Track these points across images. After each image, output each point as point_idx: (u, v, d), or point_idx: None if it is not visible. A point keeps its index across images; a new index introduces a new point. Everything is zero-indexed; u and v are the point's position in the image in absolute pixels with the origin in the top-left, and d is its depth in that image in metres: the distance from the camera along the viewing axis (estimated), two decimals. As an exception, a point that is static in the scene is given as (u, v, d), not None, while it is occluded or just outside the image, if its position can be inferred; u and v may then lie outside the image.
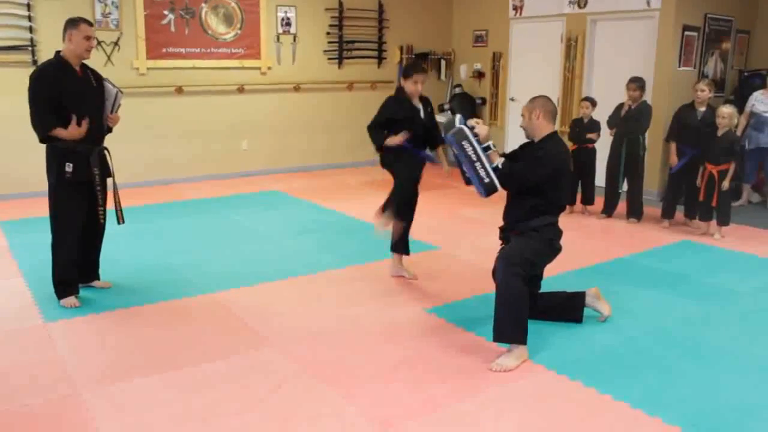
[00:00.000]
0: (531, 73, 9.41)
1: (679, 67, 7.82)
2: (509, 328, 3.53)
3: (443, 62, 10.48)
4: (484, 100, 10.16)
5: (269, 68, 8.99)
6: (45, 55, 6.82)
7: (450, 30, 10.66)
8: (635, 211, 6.78)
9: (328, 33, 9.45)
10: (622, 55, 8.22)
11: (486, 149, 3.64)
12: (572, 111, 8.56)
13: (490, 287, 4.03)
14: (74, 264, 4.29)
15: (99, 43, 7.59)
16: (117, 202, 4.40)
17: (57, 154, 4.10)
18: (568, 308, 4.08)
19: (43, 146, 4.16)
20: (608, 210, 6.95)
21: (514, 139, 9.23)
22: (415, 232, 4.92)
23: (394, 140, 4.60)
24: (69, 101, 4.07)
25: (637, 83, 6.55)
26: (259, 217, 6.81)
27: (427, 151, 4.79)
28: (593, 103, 6.97)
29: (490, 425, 2.97)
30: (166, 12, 8.10)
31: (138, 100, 7.86)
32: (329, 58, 9.54)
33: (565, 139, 7.08)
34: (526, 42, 9.44)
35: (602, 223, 6.78)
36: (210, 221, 6.57)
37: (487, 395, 3.23)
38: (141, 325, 4.03)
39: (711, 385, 3.36)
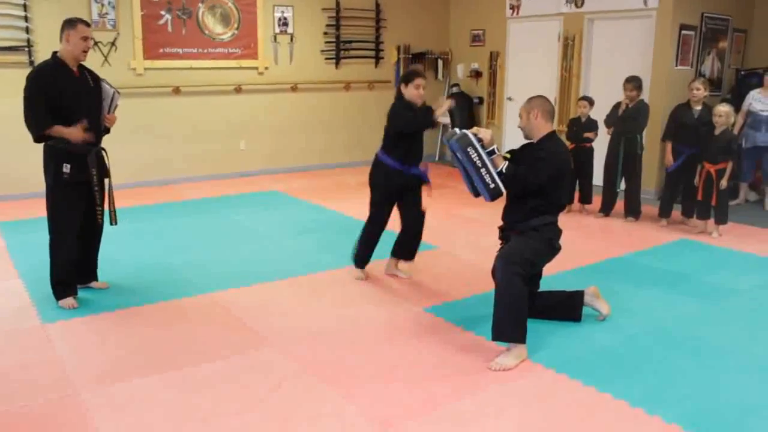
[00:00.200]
0: (528, 72, 9.41)
1: (677, 66, 7.83)
2: (508, 327, 3.54)
3: (440, 62, 10.49)
4: (481, 100, 10.17)
5: (266, 68, 8.98)
6: (42, 55, 6.80)
7: (447, 29, 10.66)
8: (633, 210, 6.79)
9: (325, 33, 9.44)
10: (620, 54, 8.23)
11: (490, 153, 3.65)
12: (570, 110, 8.57)
13: (488, 286, 4.04)
14: (72, 265, 4.29)
15: (96, 43, 7.58)
16: (111, 203, 4.39)
17: (54, 154, 4.09)
18: (567, 307, 4.09)
19: (41, 147, 4.15)
20: (606, 209, 6.95)
21: (511, 138, 9.24)
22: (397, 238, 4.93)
23: (443, 107, 4.45)
24: (66, 102, 4.06)
25: (633, 83, 6.55)
26: (258, 217, 6.80)
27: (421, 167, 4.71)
28: (591, 103, 6.98)
29: (490, 424, 2.97)
30: (163, 12, 8.09)
31: (135, 101, 7.85)
32: (326, 58, 9.53)
33: (563, 138, 7.12)
34: (524, 41, 9.45)
35: (600, 222, 6.78)
36: (208, 221, 6.56)
37: (487, 394, 3.23)
38: (140, 325, 4.03)
39: (710, 384, 3.36)
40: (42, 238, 4.37)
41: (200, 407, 3.08)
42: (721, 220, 6.17)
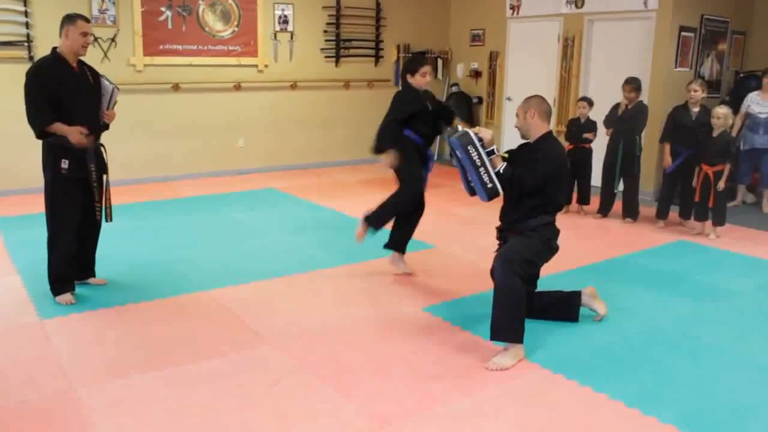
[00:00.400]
0: (528, 72, 9.42)
1: (676, 67, 7.85)
2: (506, 327, 3.54)
3: (440, 61, 10.49)
4: (480, 100, 10.18)
5: (266, 66, 8.98)
6: (42, 51, 6.79)
7: (447, 29, 10.67)
8: (631, 211, 6.80)
9: (325, 31, 9.44)
10: (619, 55, 8.24)
11: (490, 153, 3.66)
12: (569, 111, 8.58)
13: (486, 286, 4.04)
14: (70, 261, 4.28)
15: (96, 39, 7.57)
16: (107, 200, 4.39)
17: (53, 150, 4.09)
18: (564, 307, 4.10)
19: (40, 142, 4.14)
20: (604, 210, 6.96)
21: (510, 138, 9.25)
22: (417, 235, 4.93)
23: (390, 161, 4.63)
24: (66, 97, 4.06)
25: (632, 84, 6.56)
26: (256, 214, 6.81)
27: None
28: (590, 103, 6.98)
29: (487, 423, 2.98)
30: (163, 9, 8.09)
31: (134, 97, 7.84)
32: (326, 57, 9.53)
33: (562, 138, 7.13)
34: (523, 41, 9.46)
35: (598, 223, 6.79)
36: (206, 218, 6.56)
37: (484, 394, 3.24)
38: (137, 322, 4.03)
39: (706, 384, 3.37)
40: (40, 234, 4.37)
41: (198, 404, 3.08)
42: (718, 221, 6.18)
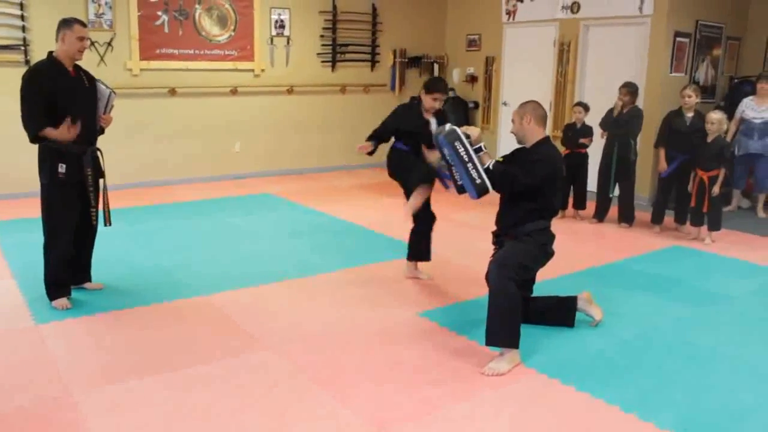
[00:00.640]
0: (524, 77, 9.44)
1: (671, 73, 7.88)
2: (501, 332, 3.54)
3: (436, 66, 10.51)
4: (476, 105, 10.20)
5: (263, 70, 8.99)
6: (38, 54, 6.79)
7: (443, 34, 10.69)
8: (627, 216, 6.82)
9: (321, 36, 9.46)
10: (615, 60, 8.27)
11: (477, 150, 3.66)
12: (564, 116, 8.60)
13: (482, 291, 4.05)
14: (66, 265, 4.28)
15: (92, 43, 7.57)
16: (105, 204, 4.39)
17: (50, 154, 4.08)
18: (560, 312, 4.10)
19: (36, 146, 4.14)
20: (600, 215, 6.98)
21: (506, 143, 9.26)
22: (406, 236, 4.93)
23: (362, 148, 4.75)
24: (62, 102, 4.05)
25: (627, 88, 6.60)
26: (252, 219, 6.80)
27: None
28: (586, 108, 7.01)
29: (483, 428, 2.98)
30: (159, 13, 8.09)
31: (131, 101, 7.84)
32: (323, 61, 9.55)
33: (558, 143, 7.15)
34: (519, 47, 9.48)
35: (594, 228, 6.81)
36: (203, 223, 6.56)
37: (480, 399, 3.24)
38: (134, 326, 4.02)
39: (703, 389, 3.38)
40: (36, 238, 4.36)
41: (194, 409, 3.08)
42: (713, 226, 6.20)
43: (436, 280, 4.96)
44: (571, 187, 7.02)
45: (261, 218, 6.86)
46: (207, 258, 5.42)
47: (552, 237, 3.84)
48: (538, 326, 4.04)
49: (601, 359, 3.69)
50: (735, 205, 7.74)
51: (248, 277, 4.94)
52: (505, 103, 9.73)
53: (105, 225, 4.42)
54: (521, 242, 3.74)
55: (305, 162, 9.63)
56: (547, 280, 4.62)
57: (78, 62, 4.22)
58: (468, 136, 3.65)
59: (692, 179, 6.21)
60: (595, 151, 7.01)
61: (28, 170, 4.70)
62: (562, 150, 6.92)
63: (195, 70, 8.44)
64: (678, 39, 7.84)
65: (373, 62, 10.02)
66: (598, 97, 7.86)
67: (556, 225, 3.93)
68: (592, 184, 7.08)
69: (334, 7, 9.45)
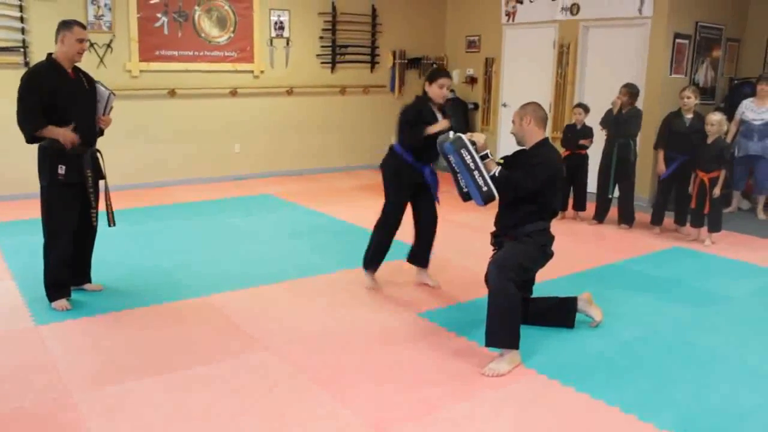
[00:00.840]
0: (523, 78, 9.45)
1: (671, 74, 7.88)
2: (501, 333, 3.54)
3: (435, 66, 10.50)
4: (476, 106, 10.20)
5: (262, 72, 8.99)
6: (37, 56, 6.79)
7: (443, 35, 10.70)
8: (626, 217, 6.82)
9: (321, 37, 9.46)
10: (614, 62, 8.28)
11: (483, 158, 3.66)
12: (564, 117, 8.61)
13: (482, 292, 4.05)
14: (66, 266, 4.27)
15: (92, 45, 7.57)
16: (108, 205, 4.39)
17: (49, 155, 4.08)
18: (560, 313, 4.10)
19: (36, 148, 4.14)
20: (600, 216, 6.98)
21: (506, 144, 9.26)
22: (406, 237, 4.92)
23: (434, 128, 4.40)
24: (61, 103, 4.05)
25: (627, 88, 6.60)
26: (252, 220, 6.80)
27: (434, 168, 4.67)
28: (586, 110, 7.01)
29: (483, 429, 2.98)
30: (159, 15, 8.09)
31: (130, 103, 7.84)
32: (322, 62, 9.55)
33: (558, 144, 7.15)
34: (519, 48, 9.49)
35: (594, 229, 6.81)
36: (202, 224, 6.56)
37: (480, 400, 3.24)
38: (133, 327, 4.02)
39: (702, 390, 3.38)
40: (36, 239, 4.36)
41: (194, 410, 3.08)
42: (713, 228, 6.20)
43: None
44: (571, 189, 7.02)
45: (261, 219, 6.86)
46: (207, 259, 5.42)
47: (551, 238, 3.84)
48: (538, 327, 4.04)
49: (601, 360, 3.69)
50: (735, 206, 7.74)
51: (248, 277, 4.94)
52: (504, 105, 9.73)
53: (109, 225, 4.42)
54: (521, 243, 3.74)
55: (305, 163, 9.64)
56: (547, 281, 4.62)
57: (77, 64, 4.22)
58: (474, 143, 3.65)
59: (693, 181, 6.21)
60: (595, 152, 7.01)
61: (28, 171, 4.70)
62: (562, 151, 6.92)
63: (194, 72, 8.44)
64: (678, 40, 7.84)
65: (373, 63, 10.02)
66: (598, 99, 7.86)
67: (556, 226, 3.93)
68: (591, 185, 7.09)
69: (334, 8, 9.46)
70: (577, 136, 6.97)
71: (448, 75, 4.64)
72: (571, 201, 7.10)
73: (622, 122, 6.62)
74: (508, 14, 9.50)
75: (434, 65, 10.43)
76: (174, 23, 8.21)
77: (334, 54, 9.60)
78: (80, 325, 4.02)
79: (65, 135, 4.03)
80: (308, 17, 9.29)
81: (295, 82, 9.29)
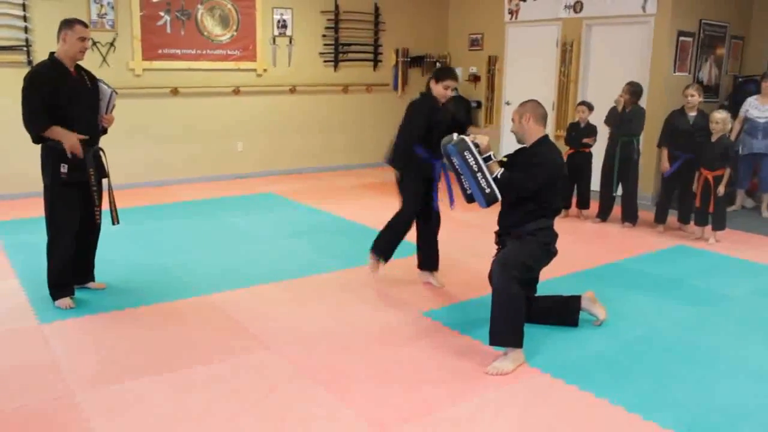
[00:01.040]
0: (526, 77, 9.43)
1: (674, 72, 7.86)
2: (505, 332, 3.54)
3: (439, 65, 10.48)
4: (479, 104, 10.18)
5: (265, 70, 8.99)
6: (40, 55, 6.80)
7: (446, 33, 10.68)
8: (630, 216, 6.80)
9: (324, 35, 9.45)
10: (618, 60, 8.25)
11: (486, 159, 3.65)
12: (568, 115, 8.59)
13: (486, 290, 4.03)
14: (69, 265, 4.27)
15: (94, 43, 7.57)
16: (112, 203, 4.39)
17: (52, 154, 4.08)
18: (564, 312, 4.09)
19: (39, 146, 4.14)
20: (603, 214, 6.96)
21: (509, 143, 9.22)
22: (410, 235, 4.91)
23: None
24: (64, 102, 4.05)
25: (629, 86, 6.56)
26: (254, 219, 6.80)
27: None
28: (590, 108, 6.98)
29: (486, 429, 2.97)
30: (161, 13, 8.09)
31: (133, 102, 7.84)
32: (325, 61, 9.54)
33: (561, 143, 7.14)
34: (522, 46, 9.47)
35: (597, 228, 6.79)
36: (205, 223, 6.56)
37: (483, 398, 3.23)
38: (136, 326, 4.02)
39: (706, 389, 3.36)
40: (39, 238, 4.36)
41: (195, 409, 3.07)
42: (718, 226, 6.18)
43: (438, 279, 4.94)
44: (575, 187, 7.00)
45: (263, 218, 6.86)
46: (209, 257, 5.41)
47: (555, 236, 3.83)
48: (542, 326, 4.03)
49: (605, 359, 3.68)
50: (739, 204, 7.72)
51: (250, 276, 4.94)
52: (507, 103, 9.71)
53: (113, 224, 4.42)
54: (524, 242, 3.74)
55: (307, 161, 9.63)
56: (551, 280, 4.61)
57: (80, 62, 4.22)
58: (477, 145, 3.65)
59: (697, 179, 6.18)
60: (598, 150, 6.99)
61: (32, 170, 4.70)
62: (566, 150, 6.90)
63: (197, 70, 8.44)
64: (681, 38, 7.82)
65: (376, 62, 10.01)
66: (601, 97, 7.84)
67: (560, 224, 3.92)
68: (595, 183, 7.07)
69: (337, 6, 9.45)
70: (580, 134, 6.95)
71: (455, 77, 4.62)
72: (574, 199, 7.09)
73: (625, 121, 6.60)
74: (511, 12, 9.47)
75: (438, 63, 10.43)
76: (177, 22, 8.21)
77: (337, 52, 9.59)
78: (83, 324, 4.02)
79: (69, 140, 4.02)
80: (311, 15, 9.29)
81: (298, 80, 9.28)
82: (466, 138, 3.65)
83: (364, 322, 4.15)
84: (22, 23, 7.24)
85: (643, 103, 6.93)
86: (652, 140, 7.28)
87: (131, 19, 7.89)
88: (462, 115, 4.60)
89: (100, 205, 4.31)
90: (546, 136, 3.81)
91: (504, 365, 3.49)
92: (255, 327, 4.03)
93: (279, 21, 9.02)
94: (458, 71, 10.39)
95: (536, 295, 4.07)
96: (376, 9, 9.83)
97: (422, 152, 4.54)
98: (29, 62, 7.14)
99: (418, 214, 4.79)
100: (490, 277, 3.77)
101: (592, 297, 4.13)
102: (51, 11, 7.19)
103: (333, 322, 4.15)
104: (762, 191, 7.54)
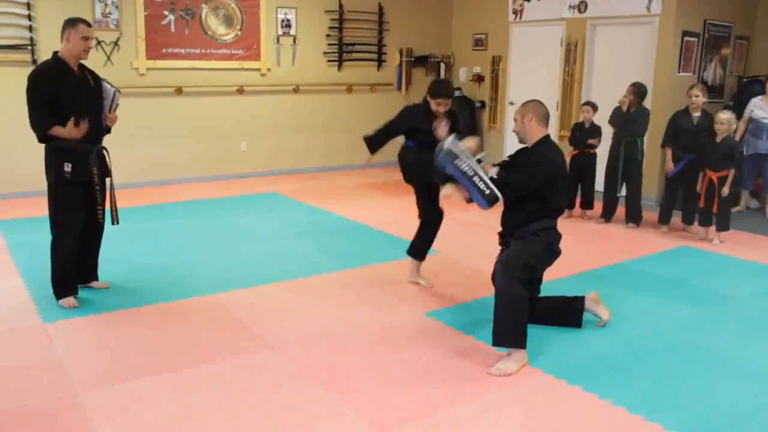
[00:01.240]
0: (530, 77, 9.42)
1: (679, 72, 7.84)
2: (509, 332, 3.53)
3: (443, 65, 10.49)
4: (483, 104, 10.17)
5: (269, 70, 8.99)
6: (45, 54, 6.80)
7: (450, 33, 10.67)
8: (634, 216, 6.78)
9: (328, 35, 9.45)
10: (622, 60, 8.24)
11: (478, 162, 3.64)
12: (572, 115, 8.58)
13: (489, 291, 4.03)
14: (73, 264, 4.28)
15: (99, 43, 7.59)
16: (113, 203, 4.39)
17: (56, 153, 4.09)
18: (568, 312, 4.08)
19: (42, 145, 4.15)
20: (607, 215, 6.95)
21: (513, 143, 9.21)
22: (413, 235, 4.91)
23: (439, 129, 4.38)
24: (67, 101, 4.06)
25: (634, 87, 6.54)
26: (257, 218, 6.80)
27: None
28: (594, 108, 6.97)
29: (489, 429, 2.97)
30: (166, 12, 8.10)
31: (137, 101, 7.85)
32: (329, 61, 9.54)
33: (566, 143, 7.13)
34: (526, 46, 9.45)
35: (601, 228, 6.78)
36: (208, 222, 6.56)
37: (486, 399, 3.22)
38: (139, 325, 4.02)
39: (710, 390, 3.36)
40: (43, 237, 4.37)
41: (198, 409, 3.07)
42: (722, 227, 6.16)
43: (442, 280, 4.94)
44: (579, 187, 6.99)
45: (267, 217, 6.86)
46: (212, 257, 5.42)
47: (558, 236, 3.82)
48: (546, 326, 4.03)
49: (609, 360, 3.67)
50: (743, 205, 7.70)
51: (254, 276, 4.94)
52: (511, 103, 9.69)
53: (112, 224, 4.42)
54: (527, 242, 3.73)
55: (311, 161, 9.63)
56: (554, 280, 4.60)
57: (84, 62, 4.23)
58: (465, 149, 3.63)
59: (701, 179, 6.17)
60: (602, 151, 6.97)
61: (36, 169, 4.71)
62: (570, 150, 6.89)
63: (201, 70, 8.45)
64: (686, 38, 7.80)
65: (380, 61, 10.01)
66: (605, 97, 7.82)
67: (563, 225, 3.92)
68: (599, 183, 7.05)
69: (341, 6, 9.44)
70: (585, 134, 6.94)
71: (448, 95, 4.55)
72: (578, 200, 7.07)
73: (629, 121, 6.58)
74: (515, 12, 9.46)
75: (442, 63, 10.42)
76: (181, 21, 8.21)
77: (341, 52, 9.59)
78: (87, 323, 4.02)
79: (69, 130, 4.03)
80: (315, 15, 9.29)
81: (302, 80, 9.28)
82: (452, 147, 3.62)
83: (366, 322, 4.14)
84: (26, 22, 7.25)
85: (647, 103, 6.91)
86: (656, 141, 7.26)
87: (135, 18, 7.90)
88: (459, 124, 4.60)
89: (103, 205, 4.32)
90: (547, 136, 3.80)
91: (507, 366, 3.49)
92: (257, 327, 4.03)
93: (283, 20, 9.03)
94: (462, 71, 10.40)
95: (539, 295, 4.06)
96: (380, 9, 9.82)
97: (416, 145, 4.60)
98: (34, 61, 7.15)
99: (420, 215, 4.80)
100: (493, 277, 3.76)
101: (595, 298, 4.13)
102: (55, 10, 7.20)
103: (335, 321, 4.15)
104: (766, 192, 7.52)
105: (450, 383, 3.37)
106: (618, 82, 7.46)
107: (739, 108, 7.61)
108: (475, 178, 3.59)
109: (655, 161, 7.63)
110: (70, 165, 4.09)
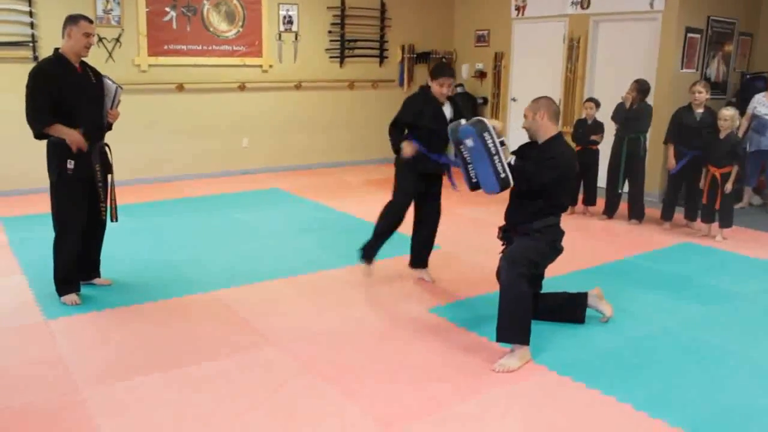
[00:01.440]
0: (533, 73, 9.40)
1: (682, 69, 7.82)
2: (512, 329, 3.52)
3: (445, 62, 10.46)
4: (485, 100, 10.15)
5: (271, 66, 8.97)
6: (46, 51, 6.79)
7: (452, 29, 10.65)
8: (636, 213, 6.77)
9: (329, 31, 9.43)
10: (625, 56, 8.22)
11: (501, 144, 3.59)
12: (574, 112, 8.56)
13: (492, 287, 4.03)
14: (75, 261, 4.27)
15: (100, 39, 7.57)
16: (113, 200, 4.38)
17: (58, 150, 4.08)
18: (570, 309, 4.08)
19: (44, 142, 4.14)
20: (610, 211, 6.93)
21: (515, 139, 9.18)
22: (410, 241, 4.90)
23: (406, 151, 4.43)
24: (68, 98, 4.05)
25: (637, 84, 6.53)
26: (260, 215, 6.80)
27: (449, 155, 4.54)
28: (597, 104, 6.96)
29: (493, 426, 2.96)
30: (167, 9, 8.08)
31: (139, 97, 7.84)
32: (331, 57, 9.52)
33: (568, 139, 7.10)
34: (528, 42, 9.43)
35: (603, 225, 6.77)
36: (210, 219, 6.55)
37: (490, 396, 3.22)
38: (142, 322, 4.02)
39: (713, 388, 3.35)
40: (45, 234, 4.37)
41: (201, 406, 3.07)
42: (725, 223, 6.15)
43: (446, 276, 4.93)
44: (581, 184, 6.98)
45: (269, 214, 6.85)
46: (214, 254, 5.41)
47: (561, 233, 3.81)
48: (549, 323, 4.02)
49: (612, 356, 3.67)
50: (746, 201, 7.68)
51: (256, 273, 4.93)
52: (514, 99, 9.69)
53: (111, 221, 4.41)
54: (531, 239, 3.72)
55: (313, 157, 9.62)
56: (557, 277, 4.59)
57: (86, 58, 4.22)
58: (493, 128, 3.60)
59: (704, 176, 6.16)
60: (605, 147, 6.96)
61: (38, 166, 4.70)
62: (573, 146, 6.87)
63: (203, 66, 8.43)
64: (689, 35, 7.78)
65: (382, 58, 9.99)
66: (608, 94, 7.80)
67: (566, 221, 3.90)
68: (601, 180, 7.04)
69: (343, 2, 9.42)
70: (588, 131, 6.92)
71: (450, 74, 4.52)
72: (581, 196, 7.06)
73: (632, 118, 6.57)
74: (517, 8, 9.44)
75: (443, 59, 10.39)
76: (182, 17, 8.20)
77: (343, 48, 9.57)
78: (89, 320, 4.02)
79: (72, 137, 4.02)
80: (317, 11, 9.27)
81: (304, 76, 9.27)
82: (484, 119, 3.60)
83: (370, 319, 4.14)
84: (28, 19, 7.24)
85: (650, 100, 6.89)
86: (659, 137, 7.25)
87: (137, 14, 7.88)
88: (465, 114, 4.54)
89: (106, 201, 4.31)
90: (560, 134, 3.78)
91: (510, 362, 3.48)
92: (262, 323, 4.03)
93: (285, 17, 9.01)
94: (464, 68, 10.38)
95: (542, 291, 4.05)
96: (382, 5, 9.80)
97: (420, 147, 4.51)
98: (35, 58, 7.14)
99: (416, 213, 4.76)
100: (498, 273, 3.76)
101: (598, 294, 4.12)
102: (57, 7, 7.18)
103: (339, 318, 4.15)
104: (770, 188, 7.51)
105: (453, 379, 3.36)
106: (621, 78, 7.44)
107: (742, 105, 7.60)
108: (496, 158, 3.53)
109: (658, 158, 7.61)
110: (72, 162, 4.08)
